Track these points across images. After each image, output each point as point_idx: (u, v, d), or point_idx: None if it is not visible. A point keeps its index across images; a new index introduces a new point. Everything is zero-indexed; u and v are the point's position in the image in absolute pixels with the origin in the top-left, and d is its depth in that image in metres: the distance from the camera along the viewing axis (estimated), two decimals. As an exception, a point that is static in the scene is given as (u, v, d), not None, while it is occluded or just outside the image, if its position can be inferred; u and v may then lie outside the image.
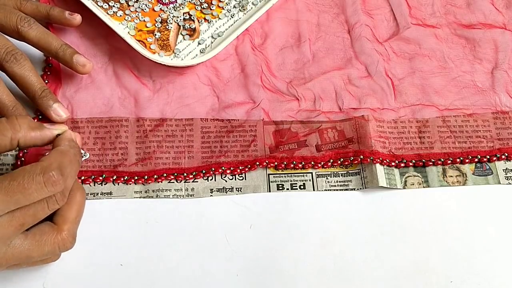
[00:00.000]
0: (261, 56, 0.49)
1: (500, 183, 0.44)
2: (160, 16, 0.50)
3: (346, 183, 0.44)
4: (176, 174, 0.43)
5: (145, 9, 0.50)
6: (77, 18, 0.47)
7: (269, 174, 0.44)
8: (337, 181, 0.44)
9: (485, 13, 0.53)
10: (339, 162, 0.44)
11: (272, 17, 0.51)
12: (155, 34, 0.49)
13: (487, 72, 0.50)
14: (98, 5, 0.49)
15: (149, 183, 0.43)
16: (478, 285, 0.40)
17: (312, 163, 0.44)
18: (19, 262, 0.34)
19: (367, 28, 0.51)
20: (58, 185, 0.33)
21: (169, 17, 0.50)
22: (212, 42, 0.49)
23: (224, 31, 0.50)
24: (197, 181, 0.43)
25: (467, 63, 0.50)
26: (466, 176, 0.45)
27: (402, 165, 0.45)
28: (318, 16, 0.52)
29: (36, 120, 0.44)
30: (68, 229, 0.35)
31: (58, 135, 0.37)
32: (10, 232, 0.33)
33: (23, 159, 0.42)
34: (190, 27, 0.50)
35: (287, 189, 0.43)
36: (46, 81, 0.46)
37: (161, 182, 0.43)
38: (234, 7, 0.51)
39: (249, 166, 0.44)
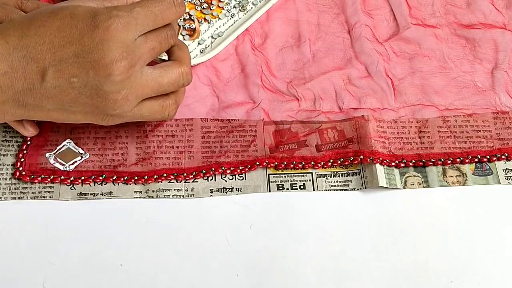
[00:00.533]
0: (261, 56, 0.49)
1: (500, 183, 0.44)
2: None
3: (346, 183, 0.44)
4: (176, 174, 0.43)
5: (145, 9, 0.50)
6: None
7: (269, 174, 0.44)
8: (337, 181, 0.44)
9: (485, 13, 0.53)
10: (339, 162, 0.44)
11: (272, 17, 0.51)
12: (155, 34, 0.49)
13: (487, 72, 0.50)
14: (98, 5, 0.49)
15: (149, 183, 0.43)
16: (478, 285, 0.40)
17: (312, 163, 0.44)
18: (151, 91, 0.37)
19: (367, 28, 0.51)
20: (182, 7, 0.37)
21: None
22: (212, 42, 0.49)
23: (224, 31, 0.50)
24: (197, 181, 0.43)
25: (467, 63, 0.50)
26: (466, 176, 0.45)
27: (402, 165, 0.45)
28: (318, 16, 0.52)
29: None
30: (187, 64, 0.39)
31: None
32: (146, 54, 0.36)
33: (23, 159, 0.42)
34: (190, 27, 0.50)
35: (287, 189, 0.43)
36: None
37: (161, 182, 0.43)
38: (234, 7, 0.51)
39: (249, 166, 0.44)
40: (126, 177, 0.43)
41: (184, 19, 0.50)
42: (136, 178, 0.43)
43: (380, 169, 0.44)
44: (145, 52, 0.36)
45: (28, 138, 0.43)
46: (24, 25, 0.34)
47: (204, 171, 0.43)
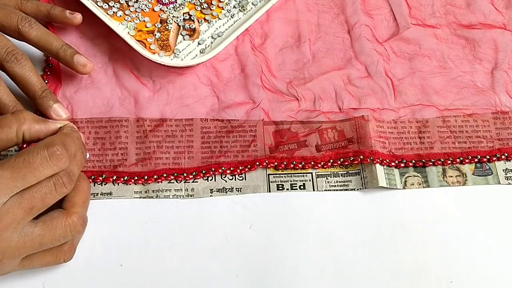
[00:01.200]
0: (261, 56, 0.49)
1: (500, 183, 0.44)
2: (160, 17, 0.50)
3: (346, 183, 0.44)
4: (176, 174, 0.43)
5: (145, 9, 0.50)
6: (78, 17, 0.47)
7: (269, 174, 0.44)
8: (337, 181, 0.44)
9: (485, 13, 0.53)
10: (339, 162, 0.44)
11: (272, 17, 0.51)
12: (155, 34, 0.49)
13: (487, 72, 0.50)
14: (98, 5, 0.49)
15: (149, 183, 0.43)
16: (478, 285, 0.40)
17: (312, 163, 0.44)
18: (32, 250, 0.34)
19: (367, 28, 0.51)
20: (63, 160, 0.33)
21: (169, 17, 0.50)
22: (212, 42, 0.49)
23: (224, 31, 0.50)
24: (197, 181, 0.43)
25: (467, 63, 0.50)
26: (466, 176, 0.45)
27: (402, 165, 0.45)
28: (318, 16, 0.52)
29: None
30: (77, 212, 0.36)
31: (61, 127, 0.38)
32: (20, 216, 0.32)
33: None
34: (190, 27, 0.50)
35: (287, 189, 0.43)
36: (46, 81, 0.46)
37: (161, 182, 0.43)
38: (234, 7, 0.51)
39: (249, 166, 0.44)
40: (126, 177, 0.43)
41: (184, 19, 0.50)
42: (136, 178, 0.43)
43: (380, 169, 0.44)
44: (18, 214, 0.32)
45: (24, 146, 0.43)
46: None
47: (204, 171, 0.43)
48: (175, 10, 0.50)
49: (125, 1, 0.50)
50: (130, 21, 0.49)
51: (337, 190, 0.44)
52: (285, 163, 0.44)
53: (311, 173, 0.44)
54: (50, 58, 0.47)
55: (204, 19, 0.50)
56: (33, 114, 0.37)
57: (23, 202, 0.32)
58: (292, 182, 0.44)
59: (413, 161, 0.45)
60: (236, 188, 0.43)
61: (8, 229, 0.32)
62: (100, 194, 0.42)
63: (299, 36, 0.51)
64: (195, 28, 0.50)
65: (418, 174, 0.45)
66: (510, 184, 0.44)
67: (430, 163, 0.45)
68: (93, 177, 0.42)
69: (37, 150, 0.33)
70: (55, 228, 0.34)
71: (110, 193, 0.42)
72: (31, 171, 0.32)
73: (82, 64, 0.44)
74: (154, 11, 0.50)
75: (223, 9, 0.51)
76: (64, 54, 0.44)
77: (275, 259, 0.40)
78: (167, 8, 0.50)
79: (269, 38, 0.50)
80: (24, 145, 0.43)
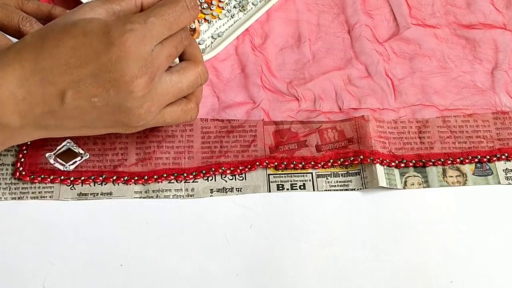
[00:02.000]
0: (261, 56, 0.49)
1: (500, 183, 0.44)
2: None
3: (346, 183, 0.44)
4: (176, 174, 0.43)
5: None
6: None
7: (269, 174, 0.44)
8: (337, 181, 0.44)
9: (485, 13, 0.53)
10: (339, 162, 0.44)
11: (272, 17, 0.51)
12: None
13: (487, 72, 0.50)
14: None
15: (149, 183, 0.43)
16: (478, 285, 0.40)
17: (312, 163, 0.44)
18: (173, 97, 0.37)
19: (367, 28, 0.51)
20: (196, 10, 0.37)
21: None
22: (212, 42, 0.49)
23: (224, 31, 0.50)
24: (197, 181, 0.43)
25: (467, 63, 0.50)
26: (466, 176, 0.45)
27: (402, 165, 0.45)
28: (318, 16, 0.52)
29: None
30: (202, 63, 0.39)
31: None
32: (164, 63, 0.35)
33: (23, 160, 0.42)
34: (190, 27, 0.50)
35: (287, 189, 0.43)
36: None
37: (161, 182, 0.43)
38: (234, 7, 0.51)
39: (249, 166, 0.44)
40: (126, 177, 0.43)
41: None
42: (136, 178, 0.43)
43: (380, 169, 0.44)
44: (163, 61, 0.35)
45: (24, 148, 0.43)
46: (37, 46, 0.33)
47: (204, 171, 0.43)
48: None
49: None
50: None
51: (337, 190, 0.44)
52: (285, 163, 0.44)
53: (311, 173, 0.44)
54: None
55: (204, 19, 0.50)
56: None
57: (164, 49, 0.35)
58: (292, 182, 0.44)
59: (413, 161, 0.45)
60: (236, 188, 0.43)
61: (156, 75, 0.35)
62: (100, 194, 0.42)
63: (299, 36, 0.51)
64: (195, 28, 0.50)
65: (418, 174, 0.45)
66: (510, 184, 0.44)
67: (430, 163, 0.45)
68: (93, 177, 0.42)
69: (176, 1, 0.36)
70: (189, 75, 0.38)
71: (110, 193, 0.42)
72: (176, 20, 0.35)
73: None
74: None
75: (223, 9, 0.51)
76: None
77: (275, 259, 0.40)
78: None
79: (269, 38, 0.50)
80: (20, 154, 0.43)
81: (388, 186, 0.43)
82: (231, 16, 0.51)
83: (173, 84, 0.37)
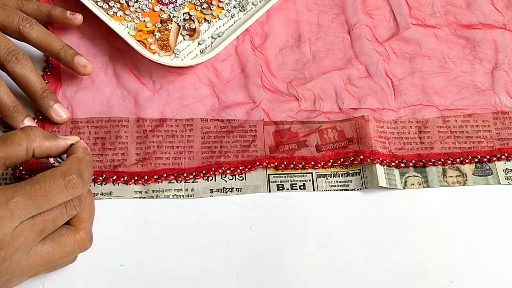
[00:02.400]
0: (261, 56, 0.49)
1: (500, 183, 0.44)
2: (160, 17, 0.50)
3: (346, 183, 0.44)
4: (176, 174, 0.43)
5: (145, 9, 0.50)
6: (79, 17, 0.47)
7: (269, 174, 0.44)
8: (337, 181, 0.44)
9: (485, 13, 0.53)
10: (339, 162, 0.44)
11: (272, 17, 0.51)
12: (155, 34, 0.49)
13: (487, 72, 0.50)
14: (98, 6, 0.49)
15: (149, 183, 0.43)
16: (478, 285, 0.40)
17: (312, 163, 0.44)
18: (41, 268, 0.35)
19: (367, 28, 0.51)
20: (78, 188, 0.34)
21: (169, 17, 0.50)
22: (212, 42, 0.49)
23: (224, 31, 0.50)
24: (197, 181, 0.43)
25: (467, 63, 0.50)
26: (466, 176, 0.45)
27: (402, 165, 0.45)
28: (318, 17, 0.52)
29: (36, 121, 0.44)
30: (84, 228, 0.36)
31: (72, 144, 0.38)
32: (31, 239, 0.33)
33: (21, 167, 0.42)
34: (190, 27, 0.50)
35: (287, 189, 0.43)
36: (46, 81, 0.46)
37: (161, 182, 0.43)
38: (234, 7, 0.51)
39: (249, 166, 0.44)
40: (126, 177, 0.43)
41: (184, 19, 0.50)
42: (136, 178, 0.43)
43: (380, 169, 0.44)
44: (30, 236, 0.32)
45: None
46: None
47: (204, 171, 0.43)
48: (175, 10, 0.50)
49: (125, 1, 0.50)
50: (130, 21, 0.49)
51: (337, 190, 0.44)
52: (285, 163, 0.44)
53: (311, 173, 0.44)
54: (50, 58, 0.47)
55: (204, 19, 0.50)
56: (43, 131, 0.37)
57: (35, 226, 0.33)
58: (292, 182, 0.44)
59: (413, 161, 0.45)
60: (236, 188, 0.43)
61: (18, 251, 0.32)
62: (100, 194, 0.42)
63: (299, 36, 0.51)
64: (195, 28, 0.50)
65: (418, 174, 0.45)
66: (510, 184, 0.44)
67: (430, 163, 0.45)
68: (93, 177, 0.42)
69: (53, 178, 0.33)
70: (64, 246, 0.35)
71: (110, 193, 0.42)
72: (47, 199, 0.32)
73: (83, 65, 0.44)
74: (154, 11, 0.50)
75: (223, 9, 0.51)
76: (64, 55, 0.44)
77: (275, 259, 0.40)
78: (167, 8, 0.50)
79: (269, 38, 0.50)
80: None
81: (388, 186, 0.43)
82: (231, 16, 0.51)
83: (43, 256, 0.34)
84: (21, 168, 0.42)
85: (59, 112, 0.44)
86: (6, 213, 0.31)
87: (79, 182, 0.34)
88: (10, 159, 0.35)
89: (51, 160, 0.42)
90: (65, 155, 0.38)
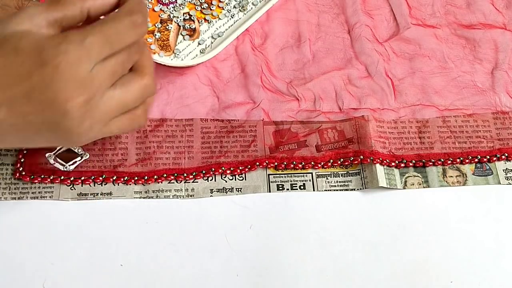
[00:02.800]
0: (261, 56, 0.49)
1: (500, 183, 0.44)
2: (160, 17, 0.50)
3: (346, 183, 0.44)
4: (176, 174, 0.43)
5: (145, 9, 0.50)
6: None
7: (269, 175, 0.44)
8: (337, 181, 0.44)
9: (485, 13, 0.53)
10: (339, 162, 0.44)
11: (272, 17, 0.51)
12: (155, 35, 0.49)
13: (487, 72, 0.50)
14: (98, 5, 0.49)
15: (149, 183, 0.43)
16: (478, 285, 0.40)
17: (312, 163, 0.44)
18: (116, 112, 0.35)
19: (367, 28, 0.51)
20: (144, 28, 0.34)
21: (169, 17, 0.50)
22: (212, 42, 0.49)
23: (224, 31, 0.50)
24: (197, 182, 0.43)
25: (467, 63, 0.50)
26: (466, 176, 0.45)
27: (402, 165, 0.45)
28: (318, 17, 0.52)
29: None
30: (149, 73, 0.36)
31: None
32: (106, 82, 0.33)
33: (22, 160, 0.42)
34: (190, 27, 0.50)
35: (287, 189, 0.43)
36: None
37: (161, 182, 0.43)
38: (234, 7, 0.51)
39: (249, 166, 0.44)
40: (126, 178, 0.43)
41: (184, 19, 0.50)
42: (136, 178, 0.43)
43: (380, 169, 0.44)
44: (105, 79, 0.33)
45: None
46: None
47: (204, 172, 0.43)
48: (175, 10, 0.50)
49: (125, 1, 0.50)
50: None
51: (337, 190, 0.44)
52: (285, 163, 0.44)
53: (311, 173, 0.44)
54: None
55: (204, 19, 0.50)
56: None
57: (107, 67, 0.33)
58: (292, 182, 0.44)
59: (413, 161, 0.45)
60: (236, 188, 0.43)
61: (96, 94, 0.33)
62: (100, 194, 0.42)
63: (299, 36, 0.51)
64: (195, 28, 0.50)
65: (418, 174, 0.45)
66: (510, 184, 0.44)
67: (430, 163, 0.45)
68: (93, 177, 0.42)
69: (120, 19, 0.33)
70: (133, 89, 0.35)
71: (110, 193, 0.42)
72: (118, 38, 0.33)
73: None
74: (154, 11, 0.50)
75: (223, 9, 0.51)
76: None
77: (275, 259, 0.40)
78: (167, 8, 0.50)
79: (269, 38, 0.50)
80: (20, 155, 0.43)
81: (388, 186, 0.43)
82: (231, 16, 0.51)
83: (117, 100, 0.34)
84: (21, 168, 0.42)
85: None
86: (83, 53, 0.31)
87: (144, 21, 0.34)
88: (66, 20, 0.34)
89: (51, 160, 0.42)
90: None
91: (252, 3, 0.52)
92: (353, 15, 0.52)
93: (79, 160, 0.43)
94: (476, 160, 0.45)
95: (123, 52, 0.34)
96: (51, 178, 0.42)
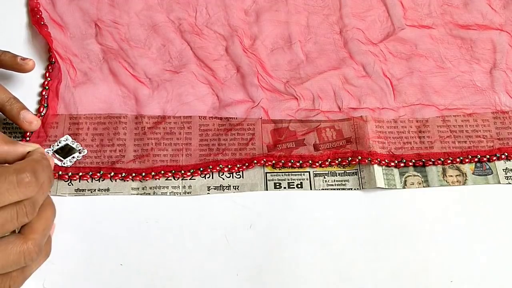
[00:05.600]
0: (254, 58, 0.49)
1: (500, 183, 0.44)
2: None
3: (343, 183, 0.44)
4: (173, 171, 0.43)
5: None
6: (30, 63, 0.45)
7: (266, 173, 0.44)
8: (334, 181, 0.44)
9: (482, 13, 0.53)
10: (337, 161, 0.44)
11: (260, 18, 0.51)
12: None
13: (486, 72, 0.49)
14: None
15: (147, 180, 0.43)
16: (478, 285, 0.40)
17: (310, 162, 0.44)
18: None
19: (358, 31, 0.51)
20: (31, 188, 0.31)
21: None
22: None
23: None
24: (195, 179, 0.43)
25: (464, 63, 0.50)
26: (466, 175, 0.44)
27: (402, 165, 0.44)
28: (308, 18, 0.52)
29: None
30: (34, 239, 0.33)
31: (30, 152, 0.35)
32: None
33: None
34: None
35: (284, 187, 0.43)
36: (49, 79, 0.47)
37: (159, 179, 0.43)
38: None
39: (247, 164, 0.44)
40: (124, 174, 0.43)
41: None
42: (133, 174, 0.43)
43: (378, 170, 0.43)
44: None
45: (28, 134, 0.44)
46: None
47: (201, 169, 0.43)
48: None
49: None
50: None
51: (334, 189, 0.43)
52: (283, 161, 0.44)
53: (309, 172, 0.44)
54: (52, 55, 0.48)
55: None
56: (3, 135, 0.35)
57: None
58: (290, 181, 0.44)
59: (413, 161, 0.44)
60: (233, 186, 0.43)
61: None
62: (98, 190, 0.42)
63: (289, 37, 0.51)
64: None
65: (418, 174, 0.44)
66: (510, 183, 0.44)
67: (430, 163, 0.44)
68: (90, 173, 0.42)
69: (5, 174, 0.30)
70: (9, 253, 0.32)
71: (108, 189, 0.42)
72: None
73: (28, 120, 0.42)
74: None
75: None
76: (10, 108, 0.42)
77: (275, 259, 0.40)
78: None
79: (258, 39, 0.50)
80: None
81: (386, 187, 0.43)
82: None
83: None
84: (20, 163, 0.42)
85: (27, 116, 0.42)
86: None
87: (32, 181, 0.31)
88: None
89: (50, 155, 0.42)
90: None
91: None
92: (343, 17, 0.52)
93: (77, 156, 0.43)
94: (476, 159, 0.45)
95: (5, 213, 0.31)
96: (49, 173, 0.42)
